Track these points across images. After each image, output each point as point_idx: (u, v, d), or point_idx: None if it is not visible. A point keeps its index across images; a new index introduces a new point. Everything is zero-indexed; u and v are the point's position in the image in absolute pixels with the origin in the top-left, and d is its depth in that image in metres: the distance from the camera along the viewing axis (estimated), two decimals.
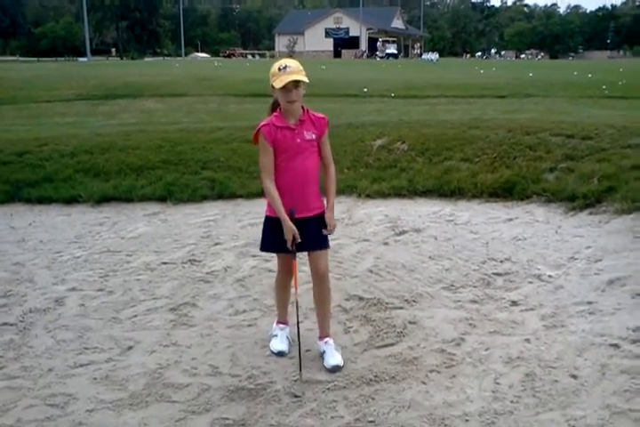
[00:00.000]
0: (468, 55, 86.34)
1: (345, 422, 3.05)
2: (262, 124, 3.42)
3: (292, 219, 3.42)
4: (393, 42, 66.38)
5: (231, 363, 3.65)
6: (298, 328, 3.54)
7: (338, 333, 3.94)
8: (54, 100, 16.03)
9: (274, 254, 5.26)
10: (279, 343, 3.78)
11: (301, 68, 3.36)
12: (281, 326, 3.87)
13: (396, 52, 62.42)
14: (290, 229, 3.40)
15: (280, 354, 3.72)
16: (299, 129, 3.43)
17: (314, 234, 3.54)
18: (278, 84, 3.29)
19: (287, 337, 3.83)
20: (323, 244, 3.62)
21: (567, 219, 5.89)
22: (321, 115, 3.53)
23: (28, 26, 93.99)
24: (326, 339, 3.68)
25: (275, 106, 3.49)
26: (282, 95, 3.35)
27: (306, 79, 3.33)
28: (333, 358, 3.56)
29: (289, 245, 3.43)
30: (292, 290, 3.69)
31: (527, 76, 20.95)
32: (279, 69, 3.32)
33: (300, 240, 3.42)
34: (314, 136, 3.46)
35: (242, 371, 3.55)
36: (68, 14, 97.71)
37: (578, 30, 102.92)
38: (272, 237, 3.55)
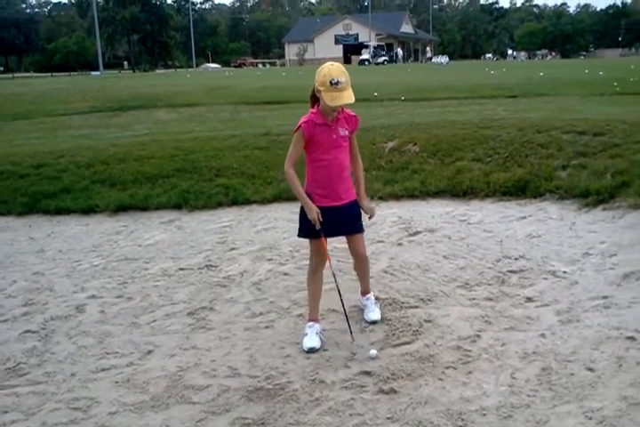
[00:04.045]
0: (489, 55, 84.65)
1: (363, 420, 3.08)
2: (303, 120, 3.68)
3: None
4: (376, 47, 64.79)
5: (249, 364, 3.69)
6: (340, 294, 3.86)
7: (354, 332, 3.97)
8: (69, 113, 16.25)
9: (289, 257, 5.41)
10: (309, 340, 3.82)
11: (349, 78, 3.57)
12: (310, 323, 3.93)
13: (367, 57, 60.49)
14: (312, 209, 3.68)
15: (311, 350, 3.77)
16: (335, 126, 3.71)
17: (348, 220, 3.87)
18: (330, 102, 3.53)
19: (317, 333, 3.87)
20: (357, 228, 3.95)
21: (581, 215, 5.89)
22: (353, 113, 3.83)
23: (41, 42, 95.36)
24: (368, 295, 4.21)
25: (314, 98, 3.71)
26: (329, 107, 3.59)
27: (353, 99, 3.56)
28: (373, 313, 4.09)
29: (315, 223, 3.68)
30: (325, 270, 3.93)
31: (538, 76, 20.88)
32: (331, 84, 3.50)
33: (322, 219, 3.68)
34: (347, 132, 3.77)
35: (260, 372, 3.59)
36: (79, 29, 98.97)
37: (588, 29, 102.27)
38: (308, 224, 3.75)
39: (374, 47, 64.35)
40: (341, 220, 3.82)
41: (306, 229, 3.83)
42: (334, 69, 3.56)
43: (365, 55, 61.59)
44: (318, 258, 3.92)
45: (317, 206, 3.72)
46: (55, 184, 7.81)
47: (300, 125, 3.68)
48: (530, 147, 7.31)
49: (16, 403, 3.41)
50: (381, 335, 3.93)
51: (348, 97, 3.54)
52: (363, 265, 4.14)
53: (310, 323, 3.94)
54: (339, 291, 3.86)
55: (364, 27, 75.58)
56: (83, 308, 4.67)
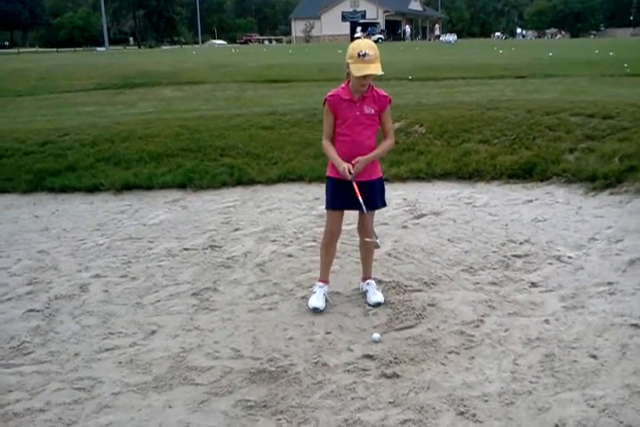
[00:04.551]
0: (498, 34, 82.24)
1: (365, 404, 3.09)
2: (330, 94, 3.82)
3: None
4: (370, 25, 64.07)
5: (252, 346, 3.70)
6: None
7: (357, 316, 3.98)
8: (74, 90, 16.18)
9: (293, 239, 5.40)
10: (315, 300, 4.05)
11: (378, 53, 3.63)
12: (320, 284, 4.15)
13: (359, 35, 60.38)
14: (341, 164, 3.73)
15: (315, 310, 4.01)
16: (360, 103, 3.77)
17: (369, 196, 3.87)
18: (356, 72, 3.59)
19: (324, 295, 4.09)
20: (375, 205, 4.03)
21: (587, 199, 5.85)
22: (384, 93, 3.85)
23: (46, 17, 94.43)
24: (368, 280, 4.24)
25: (349, 75, 3.75)
26: (356, 79, 3.65)
27: (380, 71, 3.59)
28: (375, 296, 4.11)
29: (347, 175, 3.71)
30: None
31: (547, 56, 20.64)
32: (358, 55, 3.58)
33: (353, 172, 3.72)
34: (373, 111, 3.80)
35: (263, 354, 3.60)
36: (85, 4, 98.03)
37: (599, 7, 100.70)
38: (335, 196, 3.95)
39: (367, 25, 63.87)
40: (363, 194, 3.83)
41: (332, 200, 3.99)
42: (364, 43, 3.69)
43: (358, 33, 61.39)
44: (332, 230, 4.09)
45: (340, 180, 3.81)
46: (60, 162, 7.78)
47: (325, 99, 3.81)
48: (537, 129, 7.24)
49: (20, 382, 3.43)
50: (384, 319, 3.92)
51: (375, 68, 3.59)
52: (368, 243, 4.16)
53: (320, 283, 4.15)
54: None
55: (372, 3, 74.60)
56: (87, 287, 4.68)
